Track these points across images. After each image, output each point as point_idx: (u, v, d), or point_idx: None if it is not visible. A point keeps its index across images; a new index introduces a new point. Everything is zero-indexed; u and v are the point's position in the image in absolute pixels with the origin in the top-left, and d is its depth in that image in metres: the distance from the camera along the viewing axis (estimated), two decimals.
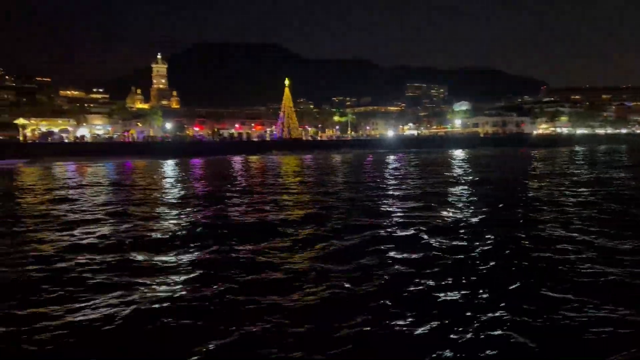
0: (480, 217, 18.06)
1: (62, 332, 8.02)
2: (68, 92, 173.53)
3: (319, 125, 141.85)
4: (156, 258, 12.95)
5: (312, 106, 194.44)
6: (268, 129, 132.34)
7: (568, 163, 53.90)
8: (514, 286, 9.97)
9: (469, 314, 8.47)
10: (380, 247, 13.53)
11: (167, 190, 31.22)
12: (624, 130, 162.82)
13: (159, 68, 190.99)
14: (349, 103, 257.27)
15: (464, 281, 10.32)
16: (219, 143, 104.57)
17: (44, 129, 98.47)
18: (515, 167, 49.52)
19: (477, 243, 13.69)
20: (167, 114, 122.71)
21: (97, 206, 23.56)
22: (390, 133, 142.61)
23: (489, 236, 14.53)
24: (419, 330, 7.84)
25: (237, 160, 74.60)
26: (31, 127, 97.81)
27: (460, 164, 54.29)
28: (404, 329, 7.94)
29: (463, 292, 9.70)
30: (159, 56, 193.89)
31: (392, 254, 12.65)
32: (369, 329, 7.95)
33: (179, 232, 16.42)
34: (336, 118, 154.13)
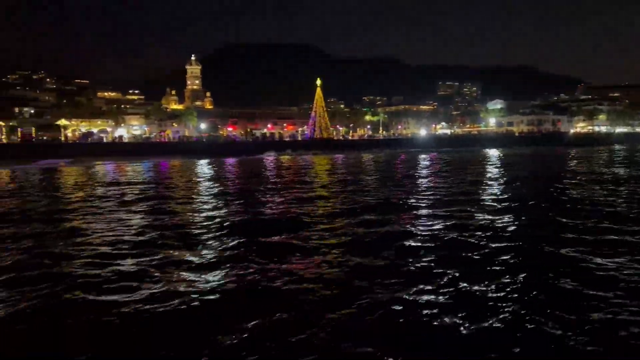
0: (510, 216, 17.71)
1: (107, 318, 8.50)
2: (105, 93, 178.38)
3: (351, 125, 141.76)
4: (191, 250, 13.57)
5: (342, 106, 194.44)
6: (299, 129, 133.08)
7: (606, 162, 52.47)
8: (536, 282, 9.96)
9: (497, 310, 8.47)
10: (408, 243, 13.60)
11: (201, 188, 32.22)
12: None
13: (193, 69, 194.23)
14: (379, 102, 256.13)
15: (486, 278, 10.22)
16: (252, 143, 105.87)
17: (83, 130, 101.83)
18: (550, 166, 48.55)
19: (503, 242, 13.50)
20: (201, 114, 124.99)
21: (135, 202, 24.60)
22: (422, 132, 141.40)
23: (516, 237, 14.27)
24: (444, 324, 7.94)
25: (269, 160, 75.47)
26: (72, 128, 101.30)
27: (493, 163, 53.57)
28: (432, 323, 8.02)
29: (487, 287, 9.67)
30: (193, 58, 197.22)
31: (419, 252, 12.63)
32: (390, 319, 8.16)
33: (213, 226, 17.14)
34: (368, 117, 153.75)
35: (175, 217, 19.48)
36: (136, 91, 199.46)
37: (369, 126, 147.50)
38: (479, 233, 14.75)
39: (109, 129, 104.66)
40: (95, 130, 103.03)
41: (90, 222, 18.82)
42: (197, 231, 16.39)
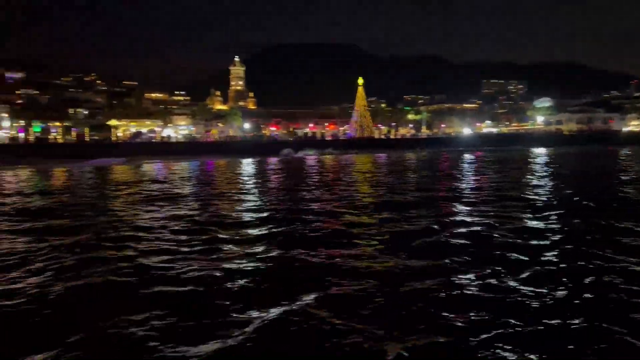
0: (557, 218, 16.98)
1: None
2: (152, 94, 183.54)
3: (393, 124, 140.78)
4: (232, 239, 14.28)
5: (383, 105, 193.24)
6: (341, 128, 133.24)
7: None
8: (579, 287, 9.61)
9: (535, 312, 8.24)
10: (447, 241, 13.48)
11: (244, 185, 33.32)
12: None
13: (237, 70, 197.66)
14: (421, 101, 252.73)
15: (524, 280, 9.89)
16: (294, 142, 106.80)
17: (133, 130, 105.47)
18: (602, 166, 46.84)
19: (546, 243, 13.04)
20: (244, 114, 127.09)
21: (181, 198, 25.72)
22: (466, 131, 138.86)
23: (561, 238, 13.64)
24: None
25: (310, 159, 76.01)
26: (122, 128, 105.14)
27: (541, 163, 52.14)
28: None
29: (521, 287, 9.41)
30: (236, 59, 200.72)
31: (457, 251, 12.35)
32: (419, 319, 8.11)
33: (255, 220, 18.18)
34: (410, 116, 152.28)
35: (218, 211, 20.67)
36: (182, 92, 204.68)
37: (411, 125, 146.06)
38: (523, 234, 14.28)
39: (157, 129, 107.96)
40: (144, 130, 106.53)
41: (141, 215, 19.94)
42: (239, 223, 17.47)
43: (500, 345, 7.10)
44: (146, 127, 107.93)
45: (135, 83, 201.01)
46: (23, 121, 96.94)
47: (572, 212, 17.99)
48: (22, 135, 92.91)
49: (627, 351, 6.92)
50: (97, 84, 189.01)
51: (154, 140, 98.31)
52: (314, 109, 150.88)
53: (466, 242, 13.41)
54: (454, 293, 9.30)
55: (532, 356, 6.79)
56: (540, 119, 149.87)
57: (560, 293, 9.13)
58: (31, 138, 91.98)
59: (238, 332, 7.71)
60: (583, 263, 11.02)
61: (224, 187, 32.58)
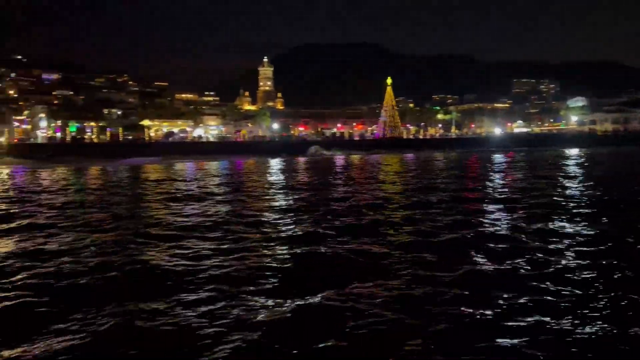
0: (590, 222, 16.11)
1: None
2: (183, 95, 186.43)
3: (422, 124, 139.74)
4: (259, 234, 14.78)
5: (411, 104, 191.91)
6: (369, 128, 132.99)
7: None
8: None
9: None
10: (473, 243, 13.11)
11: (273, 183, 34.34)
12: None
13: (265, 71, 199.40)
14: (450, 101, 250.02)
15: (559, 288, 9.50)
16: (321, 142, 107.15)
17: (165, 130, 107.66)
18: (637, 168, 45.66)
19: (580, 249, 12.49)
20: (273, 114, 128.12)
21: (211, 195, 26.84)
22: (497, 131, 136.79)
23: (596, 245, 13.04)
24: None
25: (338, 159, 76.21)
26: (154, 128, 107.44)
27: (575, 164, 51.12)
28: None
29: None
30: (265, 59, 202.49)
31: (484, 254, 12.00)
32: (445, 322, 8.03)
33: (281, 215, 19.39)
34: (440, 116, 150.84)
35: (246, 207, 21.86)
36: (211, 93, 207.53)
37: (440, 125, 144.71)
38: (547, 236, 13.86)
39: (188, 129, 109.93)
40: (176, 130, 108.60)
41: (173, 211, 20.95)
42: (266, 219, 18.43)
43: (522, 342, 7.15)
44: (178, 127, 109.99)
45: (166, 83, 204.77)
46: (60, 121, 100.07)
47: (603, 215, 17.52)
48: (59, 134, 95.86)
49: None
50: (129, 85, 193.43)
51: (185, 140, 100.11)
52: (341, 109, 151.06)
53: (490, 243, 13.22)
54: (474, 290, 9.34)
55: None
56: (573, 118, 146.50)
57: (584, 300, 8.79)
58: (68, 138, 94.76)
59: (261, 324, 8.02)
60: (613, 268, 10.74)
61: (252, 184, 33.91)
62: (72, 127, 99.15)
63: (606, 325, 7.65)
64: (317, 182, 35.26)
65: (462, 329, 7.68)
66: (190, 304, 9.07)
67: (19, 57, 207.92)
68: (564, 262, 11.30)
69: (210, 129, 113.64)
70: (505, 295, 9.11)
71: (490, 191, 26.58)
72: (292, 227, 16.80)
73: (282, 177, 41.43)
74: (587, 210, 18.62)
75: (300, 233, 15.48)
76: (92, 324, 8.09)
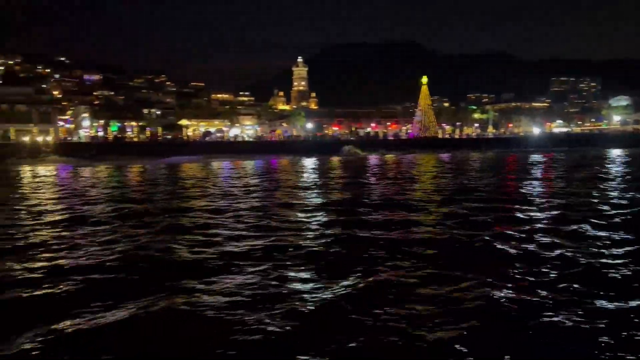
0: (622, 229, 15.20)
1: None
2: (219, 95, 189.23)
3: (457, 123, 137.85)
4: (293, 227, 15.22)
5: (446, 104, 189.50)
6: (403, 127, 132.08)
7: None
8: None
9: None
10: (508, 251, 12.46)
11: (307, 181, 35.36)
12: None
13: (300, 71, 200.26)
14: (486, 100, 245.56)
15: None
16: (355, 142, 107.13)
17: (202, 129, 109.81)
18: None
19: (605, 255, 11.96)
20: (307, 114, 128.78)
21: (247, 193, 27.68)
22: (535, 131, 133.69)
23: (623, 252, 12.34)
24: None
25: (372, 158, 76.08)
26: (192, 128, 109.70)
27: (617, 165, 49.59)
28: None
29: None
30: (299, 59, 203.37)
31: (521, 264, 11.21)
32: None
33: (312, 208, 20.72)
34: (476, 115, 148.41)
35: (282, 202, 23.14)
36: (246, 93, 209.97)
37: (477, 124, 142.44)
38: (582, 241, 13.24)
39: (224, 129, 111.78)
40: (212, 129, 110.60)
41: (212, 205, 22.18)
42: (302, 213, 19.64)
43: (553, 340, 7.19)
44: (214, 127, 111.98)
45: (202, 84, 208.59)
46: (102, 121, 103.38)
47: None
48: (101, 134, 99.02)
49: None
50: (166, 85, 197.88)
51: (222, 140, 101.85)
52: (376, 108, 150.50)
53: (521, 245, 12.95)
54: (502, 287, 9.38)
55: None
56: (616, 118, 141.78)
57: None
58: (109, 137, 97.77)
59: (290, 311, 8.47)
60: None
61: (287, 182, 35.27)
62: (114, 127, 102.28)
63: None
64: (350, 180, 35.86)
65: (490, 324, 7.80)
66: (227, 288, 9.72)
67: (62, 58, 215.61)
68: (598, 266, 10.96)
69: (245, 129, 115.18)
70: (532, 292, 9.17)
71: (527, 192, 26.14)
72: (325, 220, 17.70)
73: (315, 175, 42.56)
74: (628, 215, 17.64)
75: (331, 226, 16.26)
76: (138, 305, 8.79)
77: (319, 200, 23.84)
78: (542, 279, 10.06)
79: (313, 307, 8.61)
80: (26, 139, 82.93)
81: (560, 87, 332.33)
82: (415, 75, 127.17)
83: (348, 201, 23.25)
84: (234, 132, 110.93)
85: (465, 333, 7.44)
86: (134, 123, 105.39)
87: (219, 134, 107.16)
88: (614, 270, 10.66)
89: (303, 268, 11.21)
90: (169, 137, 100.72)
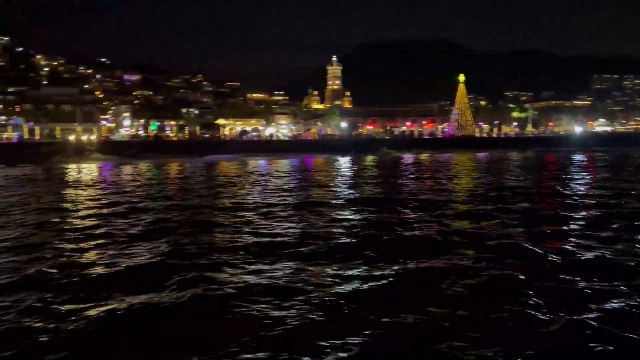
0: None
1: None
2: (254, 94, 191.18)
3: (495, 122, 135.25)
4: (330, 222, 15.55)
5: (483, 102, 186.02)
6: (439, 126, 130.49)
7: None
8: None
9: None
10: (548, 259, 11.83)
11: (342, 177, 36.79)
12: None
13: (334, 70, 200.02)
14: (524, 98, 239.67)
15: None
16: (390, 140, 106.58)
17: (239, 128, 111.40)
18: None
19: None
20: (341, 113, 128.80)
21: (282, 190, 29.14)
22: (577, 129, 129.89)
23: None
24: None
25: (407, 157, 75.53)
26: (229, 127, 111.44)
27: None
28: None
29: None
30: (334, 58, 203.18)
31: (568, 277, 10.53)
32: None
33: (347, 204, 22.34)
34: (515, 114, 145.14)
35: (316, 198, 24.89)
36: (281, 92, 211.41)
37: (515, 123, 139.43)
38: (623, 249, 12.61)
39: (261, 128, 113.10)
40: (248, 128, 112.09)
41: (250, 200, 24.03)
42: (338, 207, 21.28)
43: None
44: (251, 126, 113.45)
45: (238, 83, 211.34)
46: (142, 120, 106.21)
47: None
48: (141, 132, 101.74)
49: None
50: (203, 85, 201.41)
51: (258, 139, 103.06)
52: (411, 107, 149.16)
53: (558, 247, 12.71)
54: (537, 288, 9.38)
55: None
56: None
57: None
58: (149, 136, 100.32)
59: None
60: None
61: (321, 179, 36.53)
62: (153, 126, 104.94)
63: None
64: (383, 179, 36.52)
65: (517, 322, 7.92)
66: (266, 274, 10.73)
67: (103, 59, 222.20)
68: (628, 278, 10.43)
69: (280, 128, 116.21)
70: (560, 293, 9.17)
71: (568, 193, 25.55)
72: (358, 216, 18.81)
73: (350, 173, 43.79)
74: None
75: (365, 222, 17.41)
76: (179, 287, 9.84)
77: (351, 197, 25.01)
78: (582, 283, 9.94)
79: (344, 300, 9.04)
80: (71, 137, 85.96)
81: (602, 85, 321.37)
82: (450, 73, 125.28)
83: (380, 199, 24.25)
84: (269, 131, 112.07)
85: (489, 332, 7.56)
86: (172, 122, 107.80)
87: (254, 133, 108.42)
88: None
89: (335, 261, 11.85)
90: (207, 136, 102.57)
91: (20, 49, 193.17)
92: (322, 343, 7.29)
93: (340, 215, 19.09)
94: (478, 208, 20.45)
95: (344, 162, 62.36)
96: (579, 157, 67.42)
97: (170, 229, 16.60)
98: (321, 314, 8.37)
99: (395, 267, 11.04)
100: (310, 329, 7.78)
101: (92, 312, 8.60)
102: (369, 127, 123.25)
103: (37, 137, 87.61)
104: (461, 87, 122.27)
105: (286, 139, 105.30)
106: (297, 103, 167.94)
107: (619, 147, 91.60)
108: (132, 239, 15.09)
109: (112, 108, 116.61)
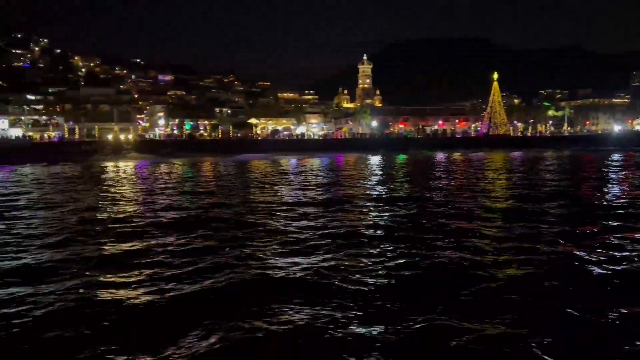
0: None
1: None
2: (284, 94, 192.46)
3: (530, 121, 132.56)
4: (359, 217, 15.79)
5: (516, 100, 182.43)
6: (472, 125, 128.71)
7: None
8: None
9: None
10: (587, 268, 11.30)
11: (373, 175, 37.50)
12: None
13: (365, 68, 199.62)
14: (559, 96, 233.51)
15: None
16: (422, 139, 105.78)
17: (270, 128, 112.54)
18: None
19: None
20: (372, 111, 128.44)
21: (314, 187, 30.32)
22: (615, 128, 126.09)
23: None
24: None
25: (439, 156, 74.86)
26: (260, 126, 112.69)
27: None
28: None
29: None
30: (365, 57, 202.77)
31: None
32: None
33: (377, 201, 23.43)
34: (551, 112, 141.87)
35: (347, 194, 26.20)
36: (311, 91, 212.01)
37: (551, 122, 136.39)
38: None
39: (292, 127, 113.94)
40: (280, 128, 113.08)
41: (281, 195, 25.53)
42: (369, 204, 22.25)
43: None
44: (282, 125, 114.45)
45: (268, 83, 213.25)
46: (177, 120, 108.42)
47: None
48: (175, 132, 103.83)
49: None
50: (235, 85, 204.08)
51: (289, 138, 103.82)
52: (443, 105, 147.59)
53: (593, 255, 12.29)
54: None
55: None
56: None
57: None
58: (184, 135, 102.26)
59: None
60: None
61: (352, 177, 37.42)
62: (187, 125, 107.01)
63: None
64: (414, 177, 37.03)
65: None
66: (304, 260, 11.77)
67: (137, 60, 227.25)
68: None
69: (311, 127, 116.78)
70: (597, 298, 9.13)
71: (604, 194, 24.97)
72: (391, 212, 19.85)
73: (381, 171, 44.55)
74: None
75: (395, 219, 18.17)
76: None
77: (383, 194, 25.98)
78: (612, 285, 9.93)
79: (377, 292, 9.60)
80: (109, 137, 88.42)
81: None
82: (482, 71, 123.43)
83: (412, 197, 24.77)
84: (300, 130, 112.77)
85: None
86: (206, 122, 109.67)
87: (286, 133, 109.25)
88: None
89: (365, 256, 12.52)
90: (239, 135, 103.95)
91: (58, 50, 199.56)
92: (354, 331, 7.76)
93: (372, 211, 20.12)
94: (511, 207, 20.47)
95: (375, 160, 62.43)
96: (617, 156, 65.50)
97: (206, 221, 18.03)
98: (352, 304, 8.93)
99: (426, 261, 11.80)
100: (341, 319, 8.23)
101: (137, 294, 9.58)
102: (400, 126, 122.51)
103: (76, 136, 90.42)
104: (495, 85, 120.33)
105: (317, 137, 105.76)
106: (327, 102, 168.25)
107: None
108: (171, 230, 16.41)
109: (147, 108, 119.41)
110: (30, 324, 8.14)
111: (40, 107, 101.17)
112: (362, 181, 34.03)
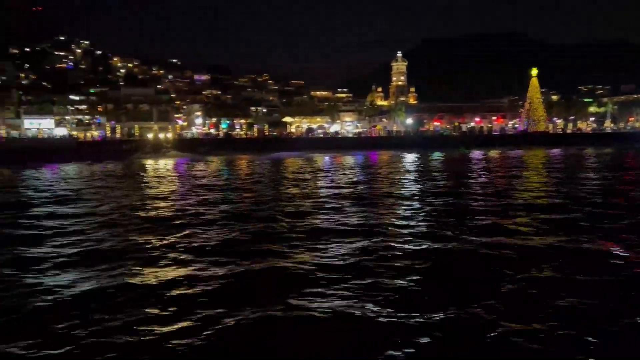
0: None
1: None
2: (318, 92, 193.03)
3: (570, 118, 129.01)
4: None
5: (555, 96, 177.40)
6: (510, 122, 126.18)
7: None
8: None
9: None
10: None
11: (408, 173, 38.25)
12: None
13: (399, 66, 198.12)
14: (601, 92, 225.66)
15: None
16: (458, 137, 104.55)
17: (305, 126, 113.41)
18: None
19: None
20: (406, 109, 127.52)
21: (349, 184, 31.15)
22: None
23: None
24: None
25: (476, 154, 73.83)
26: (295, 124, 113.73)
27: None
28: None
29: None
30: (399, 54, 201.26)
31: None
32: None
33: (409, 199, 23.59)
34: (592, 109, 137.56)
35: (380, 192, 26.69)
36: (344, 89, 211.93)
37: (592, 118, 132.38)
38: None
39: (326, 125, 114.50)
40: (314, 126, 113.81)
41: (315, 191, 26.20)
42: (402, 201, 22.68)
43: None
44: (316, 124, 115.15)
45: (302, 82, 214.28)
46: (214, 119, 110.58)
47: None
48: (212, 130, 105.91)
49: None
50: (269, 84, 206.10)
51: (324, 136, 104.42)
52: (480, 102, 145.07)
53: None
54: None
55: None
56: None
57: None
58: (221, 133, 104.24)
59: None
60: None
61: (386, 175, 37.92)
62: (224, 124, 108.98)
63: None
64: (449, 175, 36.90)
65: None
66: (333, 254, 12.48)
67: (174, 60, 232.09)
68: None
69: (345, 125, 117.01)
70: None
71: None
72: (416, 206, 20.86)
73: (416, 169, 44.74)
74: None
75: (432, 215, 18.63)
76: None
77: (418, 192, 26.33)
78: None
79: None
80: (149, 135, 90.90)
81: None
82: (520, 66, 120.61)
83: (449, 193, 25.22)
84: (334, 128, 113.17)
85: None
86: (242, 120, 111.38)
87: (320, 131, 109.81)
88: None
89: (398, 250, 13.02)
90: (274, 133, 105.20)
91: (99, 52, 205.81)
92: (385, 321, 8.30)
93: (406, 207, 20.75)
94: (550, 206, 20.31)
95: (410, 158, 62.08)
96: None
97: (241, 215, 19.17)
98: (380, 298, 9.40)
99: (461, 256, 12.46)
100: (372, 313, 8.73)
101: (177, 275, 11.01)
102: (436, 124, 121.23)
103: (117, 135, 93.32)
104: (533, 81, 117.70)
105: (351, 135, 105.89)
106: (361, 100, 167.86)
107: None
108: (212, 223, 17.57)
109: (184, 107, 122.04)
110: (78, 303, 9.51)
111: (84, 107, 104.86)
112: (397, 177, 35.17)
